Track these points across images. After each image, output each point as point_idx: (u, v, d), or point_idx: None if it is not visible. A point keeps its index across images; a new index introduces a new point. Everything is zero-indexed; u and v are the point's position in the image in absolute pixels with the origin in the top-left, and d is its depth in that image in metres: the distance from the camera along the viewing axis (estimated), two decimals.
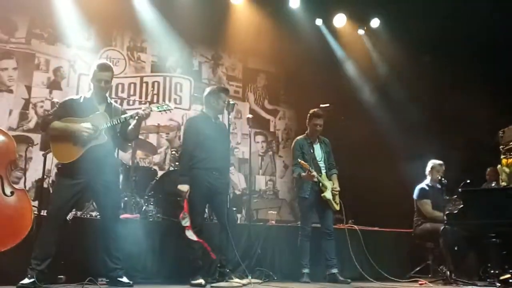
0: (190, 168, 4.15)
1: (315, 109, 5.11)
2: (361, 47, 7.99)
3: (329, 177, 5.01)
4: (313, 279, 4.77)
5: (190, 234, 4.01)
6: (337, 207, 4.94)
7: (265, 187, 8.21)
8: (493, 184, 4.86)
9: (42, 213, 4.24)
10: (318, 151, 5.04)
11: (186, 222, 4.01)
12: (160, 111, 3.98)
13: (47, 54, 6.89)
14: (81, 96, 3.93)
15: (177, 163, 5.70)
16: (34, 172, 6.09)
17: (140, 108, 3.90)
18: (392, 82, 7.32)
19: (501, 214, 4.51)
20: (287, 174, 8.41)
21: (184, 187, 4.08)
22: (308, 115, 5.10)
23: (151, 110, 3.87)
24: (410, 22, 7.12)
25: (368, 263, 5.22)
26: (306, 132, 5.13)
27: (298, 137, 5.13)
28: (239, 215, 6.00)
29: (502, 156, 5.32)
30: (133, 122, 3.90)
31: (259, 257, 4.85)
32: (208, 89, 4.48)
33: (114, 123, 3.76)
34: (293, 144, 5.09)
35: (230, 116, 4.49)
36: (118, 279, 3.74)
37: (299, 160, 4.77)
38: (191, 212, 4.07)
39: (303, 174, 4.75)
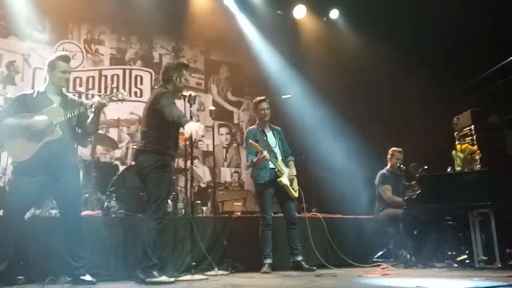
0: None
1: (258, 97, 5.11)
2: (321, 38, 8.07)
3: (286, 164, 5.03)
4: (279, 268, 4.82)
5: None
6: (295, 194, 4.94)
7: (230, 179, 8.22)
8: (448, 169, 5.05)
9: None
10: (271, 138, 5.05)
11: None
12: (115, 101, 3.82)
13: None
14: (34, 91, 3.82)
15: None
16: None
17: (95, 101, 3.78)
18: (351, 72, 7.45)
19: (456, 198, 4.72)
20: None
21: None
22: (253, 104, 5.13)
23: (106, 101, 3.74)
24: (368, 13, 7.26)
25: (332, 250, 5.33)
26: (256, 122, 5.15)
27: (249, 127, 5.17)
28: (204, 208, 5.97)
29: (456, 142, 5.54)
30: (91, 115, 3.80)
31: (226, 249, 4.86)
32: (168, 64, 4.21)
33: (68, 116, 3.65)
34: (245, 134, 5.09)
35: (192, 109, 4.46)
36: (81, 277, 3.67)
37: (250, 141, 4.76)
38: (160, 202, 3.86)
39: (255, 159, 4.75)
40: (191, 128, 3.50)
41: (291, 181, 4.91)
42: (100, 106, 3.73)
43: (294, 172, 4.99)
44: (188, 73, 4.24)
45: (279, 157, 4.97)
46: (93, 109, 3.73)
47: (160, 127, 3.88)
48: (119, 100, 3.81)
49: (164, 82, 4.13)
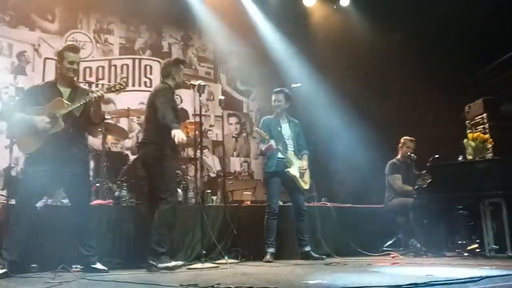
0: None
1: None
2: (331, 25, 7.99)
3: (299, 157, 5.02)
4: (287, 257, 4.84)
5: None
6: (305, 186, 4.95)
7: (240, 169, 8.23)
8: (460, 158, 5.00)
9: (11, 202, 4.15)
10: (286, 129, 5.03)
11: None
12: (114, 91, 3.84)
13: (9, 38, 6.66)
14: (45, 82, 3.85)
15: None
16: (1, 161, 5.92)
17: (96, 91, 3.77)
18: (362, 60, 7.37)
19: (467, 187, 4.67)
20: None
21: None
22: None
23: (104, 92, 3.76)
24: (380, 0, 7.16)
25: (342, 239, 5.33)
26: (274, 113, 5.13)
27: (265, 117, 5.15)
28: (214, 197, 6.00)
29: (468, 131, 5.47)
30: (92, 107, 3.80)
31: (235, 238, 4.89)
32: (165, 61, 4.40)
33: (70, 109, 3.65)
34: (260, 123, 5.08)
35: (201, 98, 4.46)
36: (92, 266, 3.73)
37: (256, 128, 4.79)
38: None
39: (263, 147, 4.77)
40: (177, 135, 3.78)
41: (301, 173, 4.91)
42: (97, 98, 3.69)
43: (305, 165, 4.97)
44: (185, 69, 4.37)
45: (291, 149, 4.95)
46: (91, 101, 3.69)
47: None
48: (117, 90, 3.82)
49: (163, 78, 4.29)
